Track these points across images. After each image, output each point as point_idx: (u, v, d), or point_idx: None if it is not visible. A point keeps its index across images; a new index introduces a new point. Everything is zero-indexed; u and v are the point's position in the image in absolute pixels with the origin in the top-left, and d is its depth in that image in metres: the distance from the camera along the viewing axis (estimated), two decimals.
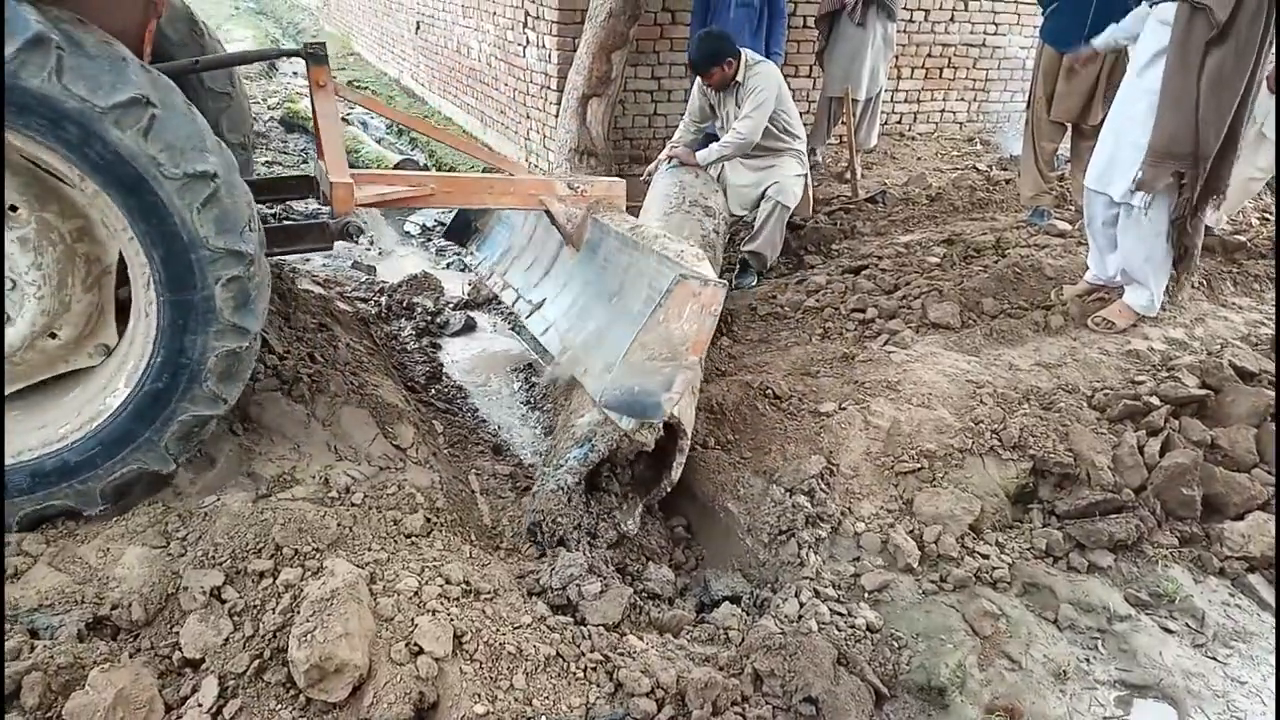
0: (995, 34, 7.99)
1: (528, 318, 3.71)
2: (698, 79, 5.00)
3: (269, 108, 9.67)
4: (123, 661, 2.02)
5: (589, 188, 3.55)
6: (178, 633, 2.16)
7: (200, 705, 2.00)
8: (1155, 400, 3.32)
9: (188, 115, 2.32)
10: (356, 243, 3.20)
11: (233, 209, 2.36)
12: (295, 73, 12.30)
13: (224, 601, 2.24)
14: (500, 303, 5.13)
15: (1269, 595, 2.86)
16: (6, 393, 2.53)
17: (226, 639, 2.16)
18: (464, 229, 4.68)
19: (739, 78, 4.75)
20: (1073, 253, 4.54)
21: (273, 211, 4.29)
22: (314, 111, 3.33)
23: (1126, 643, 2.62)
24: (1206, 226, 4.01)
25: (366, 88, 10.84)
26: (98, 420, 2.44)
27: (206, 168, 2.29)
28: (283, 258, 3.90)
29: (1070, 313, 4.04)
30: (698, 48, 4.72)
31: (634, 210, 5.43)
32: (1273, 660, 2.62)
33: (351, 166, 8.26)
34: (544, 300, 3.68)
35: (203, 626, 2.17)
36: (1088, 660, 2.56)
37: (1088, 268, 4.22)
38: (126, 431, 2.45)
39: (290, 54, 3.68)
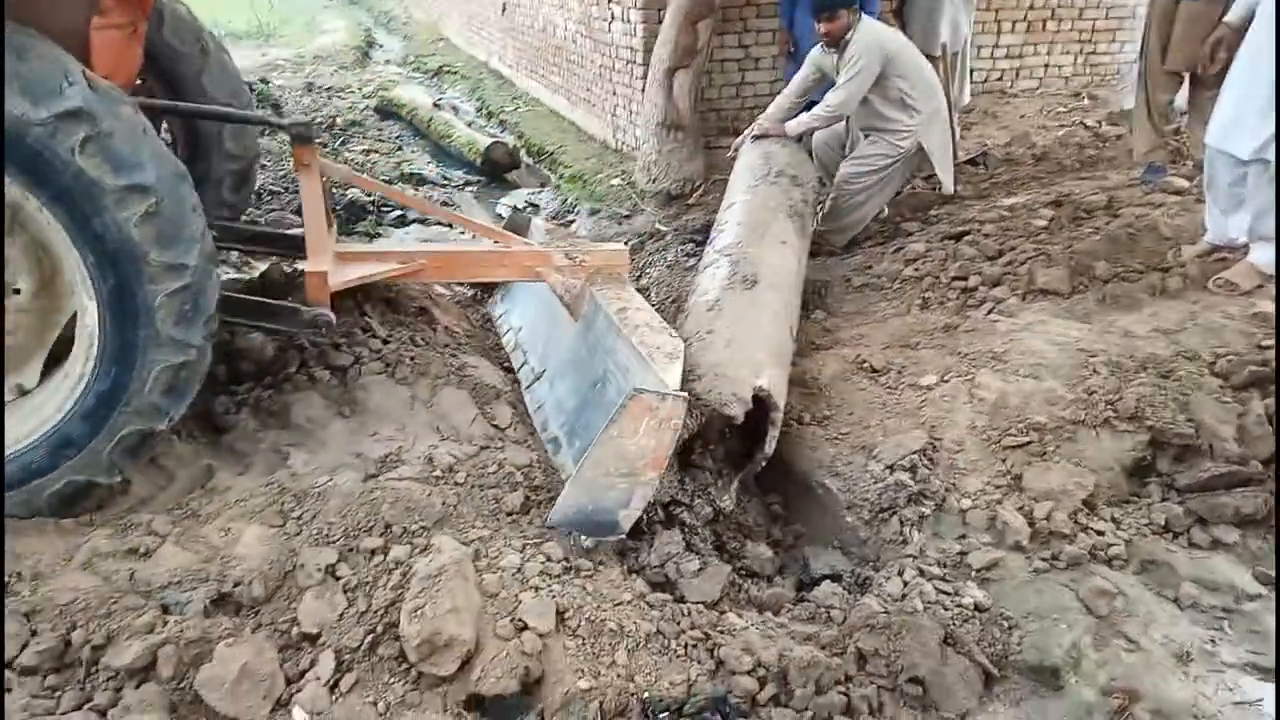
0: None
1: (527, 388, 3.61)
2: (811, 53, 4.86)
3: (363, 96, 9.93)
4: (246, 636, 2.13)
5: (588, 258, 3.43)
6: (295, 608, 2.26)
7: (318, 678, 2.09)
8: None
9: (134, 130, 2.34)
10: (326, 338, 3.15)
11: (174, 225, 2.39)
12: (388, 60, 12.59)
13: (338, 578, 2.33)
14: None
15: None
16: (41, 369, 2.58)
17: (341, 614, 2.25)
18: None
19: (848, 36, 4.57)
20: (1191, 211, 4.27)
21: (245, 277, 3.93)
22: (301, 191, 3.21)
23: (1257, 624, 2.47)
24: None
25: (456, 72, 11.02)
26: (80, 387, 2.46)
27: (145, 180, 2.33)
28: None
29: (1190, 275, 3.81)
30: None
31: (721, 184, 5.37)
32: None
33: (444, 153, 8.40)
34: (544, 371, 3.58)
35: (319, 603, 2.26)
36: (1213, 641, 2.43)
37: (1205, 228, 3.97)
38: (109, 391, 2.46)
39: (276, 126, 3.55)
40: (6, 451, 2.47)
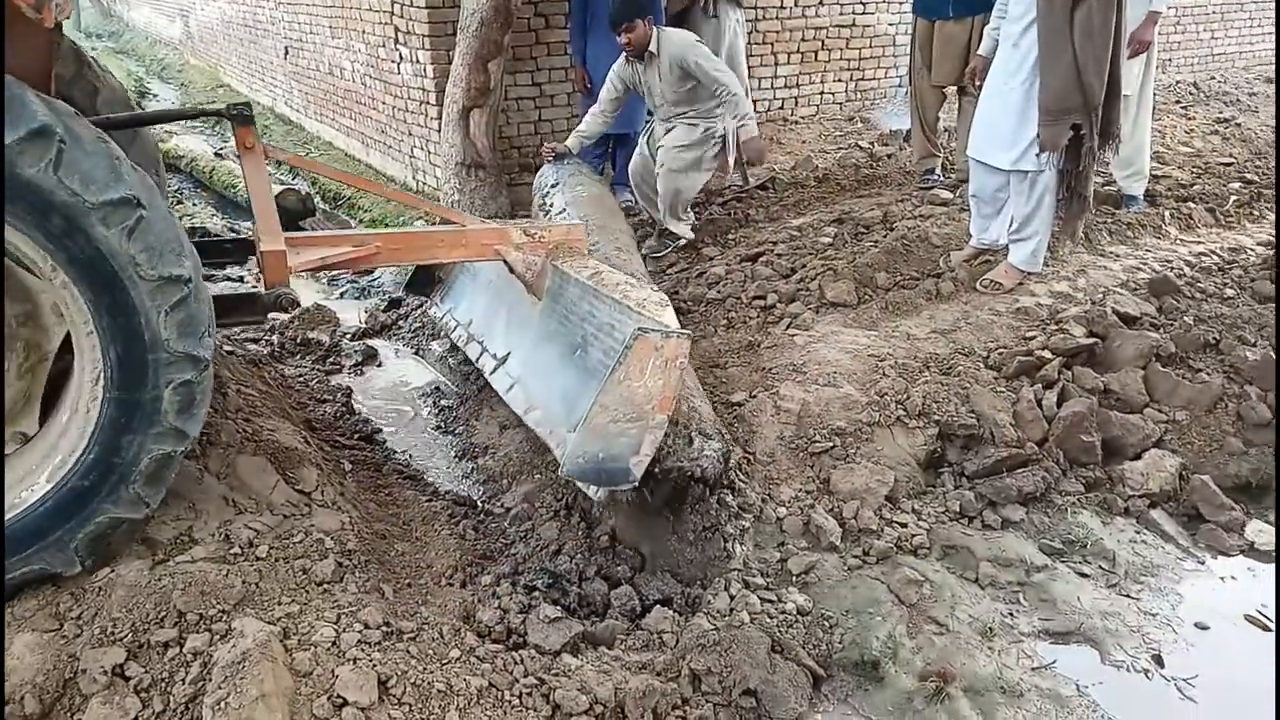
0: (864, 13, 8.18)
1: (492, 374, 3.54)
2: (614, 67, 4.91)
3: None
4: None
5: (546, 233, 3.39)
6: (80, 719, 2.03)
7: None
8: (1047, 354, 3.44)
9: (168, 218, 2.27)
10: (289, 314, 3.04)
11: (198, 313, 2.31)
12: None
13: (128, 679, 2.11)
14: (399, 329, 5.01)
15: (1170, 528, 3.00)
16: None
17: (135, 718, 2.03)
18: (426, 281, 4.47)
19: (653, 48, 4.69)
20: (956, 220, 4.67)
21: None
22: (244, 174, 3.20)
23: (1046, 592, 2.70)
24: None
25: None
26: (10, 515, 2.27)
27: (182, 272, 2.24)
28: None
29: (959, 278, 4.16)
30: (616, 4, 4.65)
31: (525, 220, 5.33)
32: (1180, 591, 2.75)
33: (230, 204, 8.00)
34: (509, 354, 3.52)
35: (107, 709, 2.04)
36: (1011, 614, 2.63)
37: (970, 234, 4.35)
38: (39, 529, 2.29)
39: (213, 114, 3.42)
40: None
